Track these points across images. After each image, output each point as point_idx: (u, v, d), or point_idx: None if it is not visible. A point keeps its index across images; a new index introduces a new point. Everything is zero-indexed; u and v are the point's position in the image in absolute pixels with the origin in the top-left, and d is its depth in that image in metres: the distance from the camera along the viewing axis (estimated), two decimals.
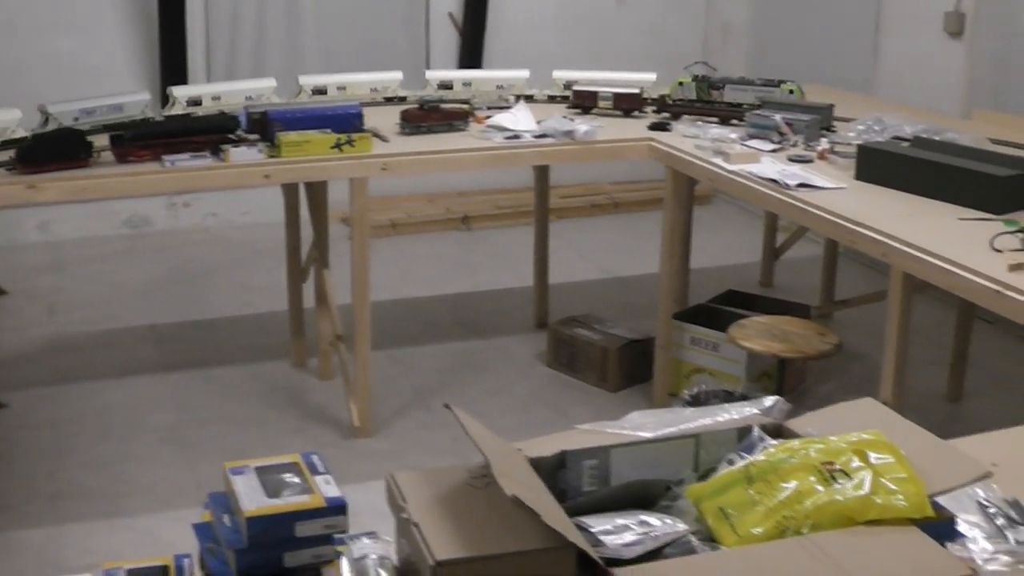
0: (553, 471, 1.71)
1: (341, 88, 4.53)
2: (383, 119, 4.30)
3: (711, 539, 1.59)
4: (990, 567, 1.55)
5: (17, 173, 3.63)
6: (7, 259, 6.14)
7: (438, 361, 4.95)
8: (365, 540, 1.63)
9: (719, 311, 4.53)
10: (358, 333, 4.13)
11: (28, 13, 6.20)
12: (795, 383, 4.49)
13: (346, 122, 4.00)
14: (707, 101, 4.51)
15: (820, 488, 1.59)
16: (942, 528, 1.58)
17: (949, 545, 1.56)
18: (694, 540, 1.58)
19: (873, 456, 1.63)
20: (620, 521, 1.60)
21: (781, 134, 4.07)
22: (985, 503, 1.69)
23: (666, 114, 4.52)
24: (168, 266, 6.19)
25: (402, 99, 4.62)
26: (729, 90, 4.48)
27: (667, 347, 4.43)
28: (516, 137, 4.23)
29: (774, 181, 3.62)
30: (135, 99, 4.07)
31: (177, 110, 4.21)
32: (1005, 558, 1.57)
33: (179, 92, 4.27)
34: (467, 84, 4.70)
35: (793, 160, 3.86)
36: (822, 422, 1.80)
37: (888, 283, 3.20)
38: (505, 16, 7.04)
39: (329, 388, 4.63)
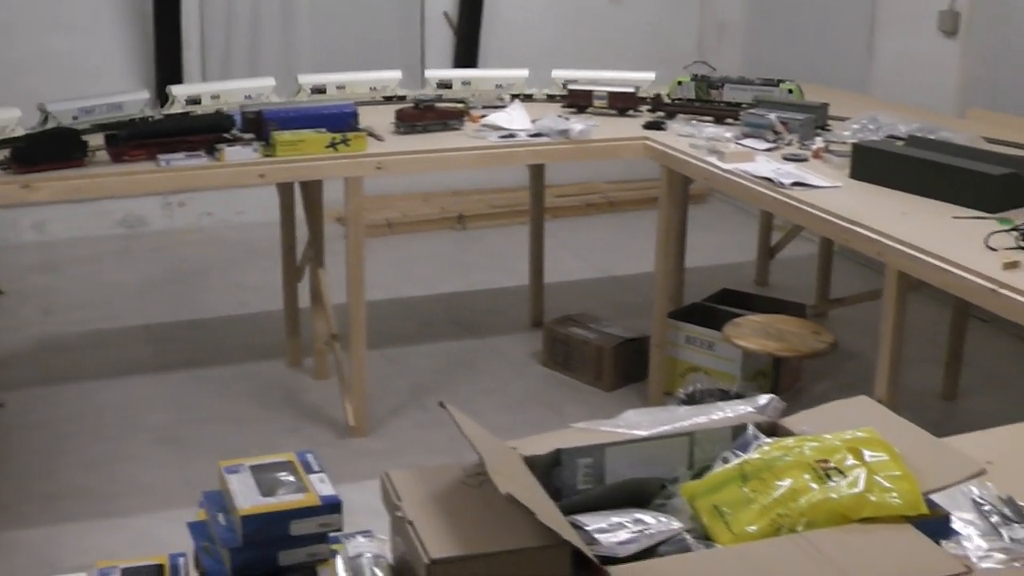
0: (548, 469, 1.71)
1: (340, 87, 4.52)
2: (380, 118, 4.29)
3: (706, 537, 1.60)
4: (985, 565, 1.55)
5: (12, 173, 3.62)
6: (2, 259, 6.12)
7: (433, 360, 4.95)
8: (360, 539, 1.64)
9: (714, 310, 4.53)
10: (353, 332, 4.12)
11: (26, 14, 6.21)
12: (790, 382, 4.49)
13: (341, 121, 4.00)
14: (704, 100, 4.51)
15: (815, 486, 1.59)
16: (937, 526, 1.58)
17: (944, 543, 1.57)
18: (689, 538, 1.58)
19: (868, 454, 1.63)
20: (615, 519, 1.60)
21: (776, 133, 4.07)
22: (980, 501, 1.70)
23: (661, 113, 4.53)
24: (163, 266, 6.18)
25: (401, 98, 4.60)
26: (728, 90, 4.47)
27: (662, 346, 4.43)
28: (511, 136, 4.23)
29: (769, 180, 3.62)
30: (134, 98, 4.04)
31: (176, 109, 4.20)
32: (999, 555, 1.57)
33: (178, 91, 4.25)
34: (466, 83, 4.68)
35: (788, 159, 3.86)
36: (817, 420, 1.81)
37: (883, 282, 3.20)
38: (500, 15, 7.04)
39: (324, 387, 4.62)
